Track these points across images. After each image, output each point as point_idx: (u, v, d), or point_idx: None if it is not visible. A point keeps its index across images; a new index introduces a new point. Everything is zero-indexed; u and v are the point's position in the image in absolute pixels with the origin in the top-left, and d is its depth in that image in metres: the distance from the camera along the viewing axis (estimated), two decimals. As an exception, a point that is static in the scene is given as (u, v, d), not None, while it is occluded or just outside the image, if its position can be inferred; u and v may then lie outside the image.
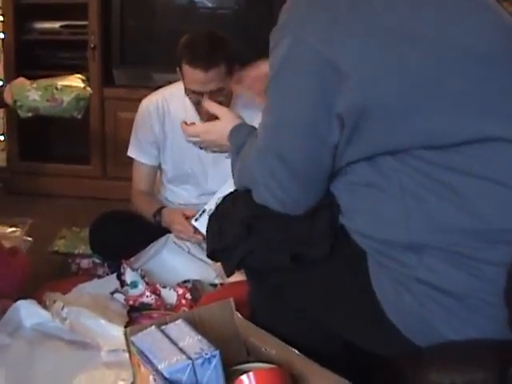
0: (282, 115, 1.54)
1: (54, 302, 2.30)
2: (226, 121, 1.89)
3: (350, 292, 1.60)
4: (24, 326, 2.20)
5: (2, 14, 3.90)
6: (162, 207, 2.77)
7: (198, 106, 2.61)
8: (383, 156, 1.47)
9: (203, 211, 2.51)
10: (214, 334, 1.71)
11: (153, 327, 1.69)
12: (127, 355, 1.77)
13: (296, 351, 1.65)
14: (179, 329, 1.68)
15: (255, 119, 1.89)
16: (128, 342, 1.68)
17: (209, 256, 1.79)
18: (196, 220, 2.54)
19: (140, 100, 2.92)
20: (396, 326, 1.52)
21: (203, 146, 1.99)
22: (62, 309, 2.24)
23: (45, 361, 2.05)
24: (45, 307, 2.29)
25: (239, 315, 1.80)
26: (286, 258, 1.60)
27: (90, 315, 2.21)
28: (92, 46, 3.86)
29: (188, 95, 2.64)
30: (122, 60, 3.90)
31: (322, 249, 1.58)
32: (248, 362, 1.75)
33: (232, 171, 1.80)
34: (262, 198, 1.62)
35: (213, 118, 1.98)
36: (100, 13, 3.86)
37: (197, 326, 1.73)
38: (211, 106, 1.96)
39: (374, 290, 1.54)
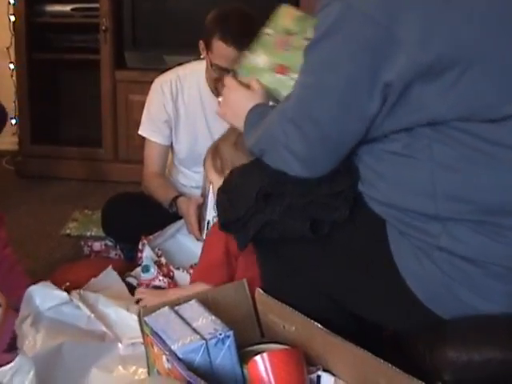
0: (324, 78, 1.50)
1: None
2: (257, 93, 1.83)
3: (369, 262, 1.59)
4: (41, 313, 2.11)
5: (13, -3, 3.89)
6: (177, 196, 2.73)
7: (217, 82, 2.57)
8: (422, 127, 1.47)
9: (208, 222, 2.47)
10: (228, 315, 1.70)
11: (166, 308, 1.69)
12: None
13: (318, 325, 1.61)
14: (193, 309, 1.68)
15: None
16: (141, 322, 1.68)
17: (222, 228, 1.76)
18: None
19: (152, 83, 2.89)
20: (416, 296, 1.51)
21: (223, 102, 1.91)
22: (80, 293, 2.20)
23: (62, 352, 1.98)
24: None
25: (260, 290, 1.76)
26: (305, 226, 1.58)
27: (108, 303, 2.16)
28: (103, 28, 3.84)
29: (212, 68, 2.60)
30: (133, 43, 3.89)
31: (342, 213, 1.57)
32: (262, 343, 1.75)
33: (246, 136, 1.75)
34: (280, 160, 1.59)
35: None
36: (111, -6, 3.85)
37: (210, 306, 1.73)
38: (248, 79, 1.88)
39: (394, 259, 1.53)
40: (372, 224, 1.57)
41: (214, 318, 1.63)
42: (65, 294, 2.17)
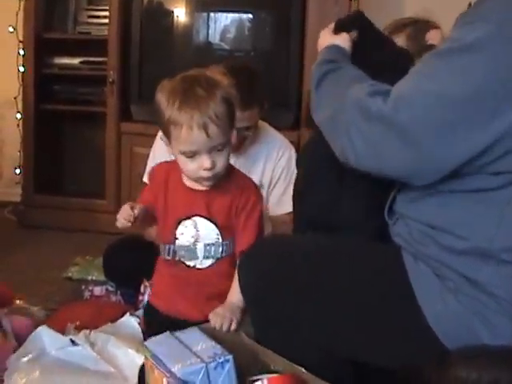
0: (450, 87, 1.44)
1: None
2: (343, 40, 1.85)
3: (385, 300, 1.59)
4: (47, 353, 2.09)
5: (23, 48, 3.98)
6: None
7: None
8: None
9: None
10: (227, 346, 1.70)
11: (167, 333, 1.69)
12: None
13: (303, 369, 1.62)
14: (193, 335, 1.68)
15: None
16: (141, 347, 1.68)
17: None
18: None
19: (156, 136, 2.92)
20: (432, 331, 1.51)
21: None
22: (90, 333, 2.16)
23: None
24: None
25: (244, 335, 1.78)
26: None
27: (118, 344, 2.11)
28: (111, 80, 3.91)
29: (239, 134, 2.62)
30: (139, 96, 3.94)
31: None
32: (261, 374, 1.74)
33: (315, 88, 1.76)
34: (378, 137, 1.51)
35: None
36: (119, 49, 3.93)
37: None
38: None
39: (415, 293, 1.54)
40: (389, 260, 1.61)
41: (214, 343, 1.63)
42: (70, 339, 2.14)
